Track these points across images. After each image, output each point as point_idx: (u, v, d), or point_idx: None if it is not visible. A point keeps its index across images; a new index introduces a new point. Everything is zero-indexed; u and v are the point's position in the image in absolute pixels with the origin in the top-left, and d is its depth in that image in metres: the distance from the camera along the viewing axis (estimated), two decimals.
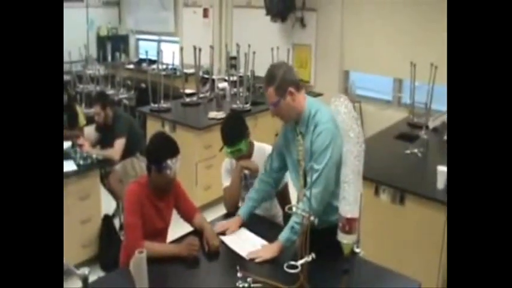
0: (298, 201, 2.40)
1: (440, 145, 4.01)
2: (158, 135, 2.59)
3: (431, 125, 4.31)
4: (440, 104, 4.56)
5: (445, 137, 4.04)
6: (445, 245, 3.11)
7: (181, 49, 5.71)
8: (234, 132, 2.76)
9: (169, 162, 2.40)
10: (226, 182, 2.88)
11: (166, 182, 2.48)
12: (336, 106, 2.21)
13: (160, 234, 2.57)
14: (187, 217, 2.65)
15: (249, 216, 2.63)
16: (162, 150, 2.44)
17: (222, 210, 2.92)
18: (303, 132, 2.34)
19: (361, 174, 2.05)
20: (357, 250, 2.01)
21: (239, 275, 2.10)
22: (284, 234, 2.33)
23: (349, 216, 1.96)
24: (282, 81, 2.27)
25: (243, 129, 2.80)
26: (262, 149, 2.91)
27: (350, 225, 1.97)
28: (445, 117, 4.31)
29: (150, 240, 2.37)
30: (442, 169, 3.17)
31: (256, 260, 2.30)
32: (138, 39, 9.33)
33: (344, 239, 1.99)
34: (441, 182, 3.17)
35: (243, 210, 2.63)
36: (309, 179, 2.12)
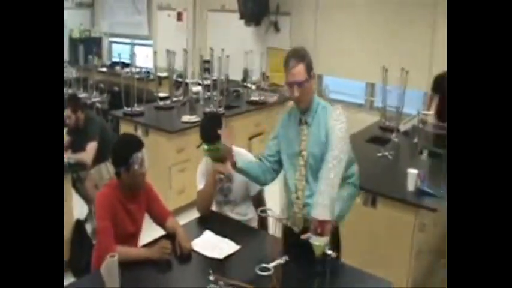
0: (296, 192, 2.34)
1: (411, 148, 4.10)
2: (120, 137, 2.60)
3: (402, 128, 4.39)
4: (411, 108, 4.64)
5: (415, 140, 4.13)
6: (415, 246, 3.18)
7: (155, 52, 5.68)
8: (214, 130, 2.75)
9: (135, 156, 2.39)
10: (201, 185, 2.88)
11: (137, 181, 2.46)
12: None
13: (132, 238, 2.55)
14: (160, 220, 2.63)
15: (243, 163, 2.44)
16: (126, 146, 2.45)
17: (195, 214, 2.91)
18: (309, 122, 2.30)
19: (340, 178, 2.04)
20: (329, 252, 2.03)
21: (211, 278, 2.11)
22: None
23: (321, 218, 1.98)
24: (310, 61, 2.25)
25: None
26: (238, 153, 2.91)
27: (322, 227, 1.99)
28: (415, 121, 4.40)
29: (122, 244, 2.34)
30: (413, 171, 3.23)
31: None
32: (112, 42, 9.23)
33: (316, 241, 2.01)
34: (411, 184, 3.23)
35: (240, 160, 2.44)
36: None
